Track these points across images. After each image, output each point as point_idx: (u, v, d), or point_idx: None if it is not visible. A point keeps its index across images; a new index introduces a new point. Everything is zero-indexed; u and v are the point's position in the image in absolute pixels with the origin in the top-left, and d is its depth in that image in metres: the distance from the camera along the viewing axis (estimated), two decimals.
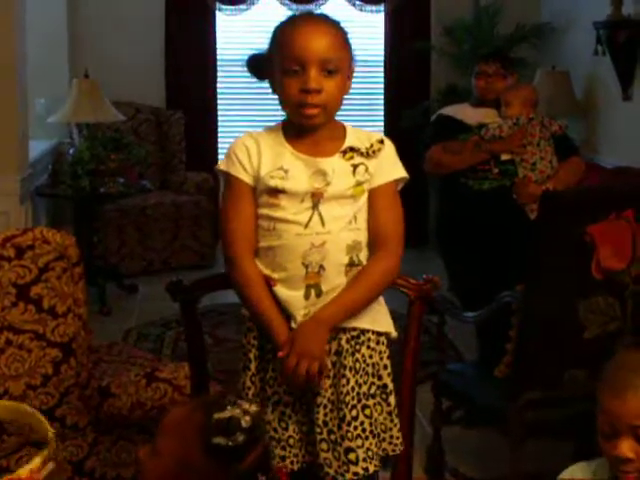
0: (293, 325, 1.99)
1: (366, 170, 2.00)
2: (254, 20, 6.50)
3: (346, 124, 2.07)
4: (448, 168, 3.93)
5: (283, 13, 6.24)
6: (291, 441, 2.03)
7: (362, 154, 2.01)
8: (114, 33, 6.38)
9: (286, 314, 2.00)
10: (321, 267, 1.97)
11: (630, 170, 4.45)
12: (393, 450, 2.09)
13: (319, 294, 1.98)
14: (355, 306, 2.00)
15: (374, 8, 6.68)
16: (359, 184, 1.99)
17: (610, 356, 2.66)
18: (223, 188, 2.06)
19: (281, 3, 6.46)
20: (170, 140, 6.46)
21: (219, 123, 6.68)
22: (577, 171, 3.92)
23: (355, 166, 2.00)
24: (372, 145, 2.01)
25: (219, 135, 6.67)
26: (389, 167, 2.04)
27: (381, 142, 2.03)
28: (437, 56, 6.58)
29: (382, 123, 6.67)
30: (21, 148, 4.68)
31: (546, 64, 5.88)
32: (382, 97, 6.75)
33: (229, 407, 1.61)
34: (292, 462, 2.03)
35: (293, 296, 1.98)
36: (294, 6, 6.36)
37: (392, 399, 2.08)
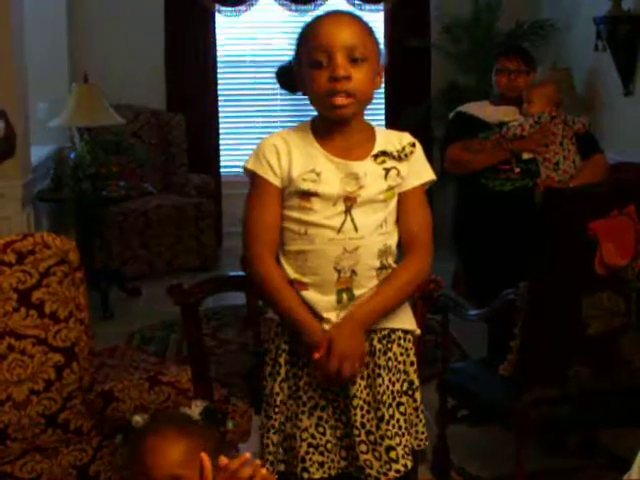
0: (326, 327, 1.96)
1: (398, 174, 1.99)
2: (253, 21, 6.50)
3: (374, 125, 2.05)
4: (468, 167, 3.85)
5: (282, 14, 6.24)
6: (329, 446, 2.02)
7: (394, 157, 1.99)
8: (114, 37, 6.39)
9: (317, 317, 1.97)
10: (353, 272, 1.96)
11: (632, 166, 4.44)
12: (419, 445, 2.10)
13: (351, 298, 1.97)
14: (388, 307, 2.00)
15: (373, 7, 6.68)
16: (390, 188, 1.98)
17: (614, 352, 2.66)
18: (249, 187, 2.02)
19: (280, 4, 6.45)
20: (171, 143, 6.46)
21: (220, 125, 6.68)
22: (600, 170, 3.81)
23: (387, 170, 1.98)
24: (404, 148, 2.00)
25: (220, 137, 6.67)
26: (420, 170, 2.03)
27: (413, 145, 2.02)
28: (437, 54, 6.58)
29: (383, 122, 6.68)
30: (22, 153, 4.67)
31: (547, 61, 5.87)
32: (382, 96, 6.74)
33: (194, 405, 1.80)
34: (330, 467, 2.02)
35: (325, 300, 1.97)
36: (293, 7, 6.35)
37: (418, 395, 2.09)
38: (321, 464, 2.01)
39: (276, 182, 1.97)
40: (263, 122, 6.47)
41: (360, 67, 1.91)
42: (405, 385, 2.05)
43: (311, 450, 2.01)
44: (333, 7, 6.46)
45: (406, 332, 2.07)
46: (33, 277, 2.41)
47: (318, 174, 1.94)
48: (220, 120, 6.68)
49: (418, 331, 2.10)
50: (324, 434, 2.02)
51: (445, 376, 3.25)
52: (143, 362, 3.00)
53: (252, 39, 6.43)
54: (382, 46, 2.01)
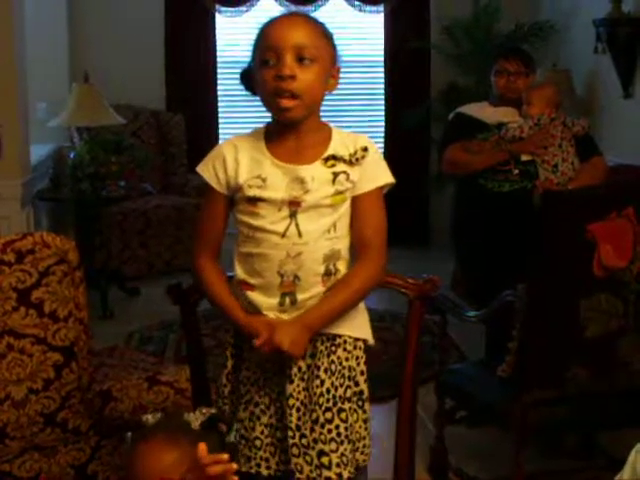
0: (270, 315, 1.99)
1: (347, 178, 1.96)
2: (253, 22, 6.50)
3: (333, 126, 2.03)
4: (466, 168, 3.83)
5: None
6: (257, 443, 2.01)
7: (345, 161, 1.97)
8: (114, 37, 6.39)
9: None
10: (296, 277, 1.96)
11: (631, 168, 4.44)
12: (364, 460, 2.06)
13: (294, 302, 1.97)
14: (336, 313, 1.98)
15: (374, 8, 6.68)
16: (338, 193, 1.96)
17: (612, 354, 2.66)
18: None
19: (280, 4, 6.46)
20: (171, 143, 6.47)
21: (220, 125, 6.69)
22: (599, 172, 3.79)
23: (336, 174, 1.96)
24: (356, 152, 1.97)
25: (220, 137, 6.67)
26: (373, 174, 1.99)
27: (365, 149, 1.98)
28: (437, 55, 6.59)
29: (383, 123, 6.67)
30: (22, 152, 4.68)
31: (546, 63, 5.87)
32: (382, 97, 6.74)
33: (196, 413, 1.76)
34: (259, 465, 2.01)
35: (268, 302, 1.98)
36: (293, 7, 6.36)
37: (367, 406, 2.05)
38: (248, 458, 2.01)
39: (219, 189, 2.00)
40: (262, 122, 6.47)
41: (308, 68, 1.90)
42: (349, 392, 2.01)
43: (242, 442, 2.02)
44: (334, 7, 6.48)
45: (356, 339, 2.04)
46: (32, 276, 2.41)
47: (264, 180, 1.95)
48: (220, 120, 6.70)
49: (371, 341, 2.07)
50: (253, 429, 2.01)
51: (443, 377, 3.26)
52: (142, 362, 3.00)
53: (252, 40, 6.44)
54: (339, 48, 1.99)
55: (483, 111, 3.97)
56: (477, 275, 3.90)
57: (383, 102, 6.76)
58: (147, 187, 5.67)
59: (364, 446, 2.05)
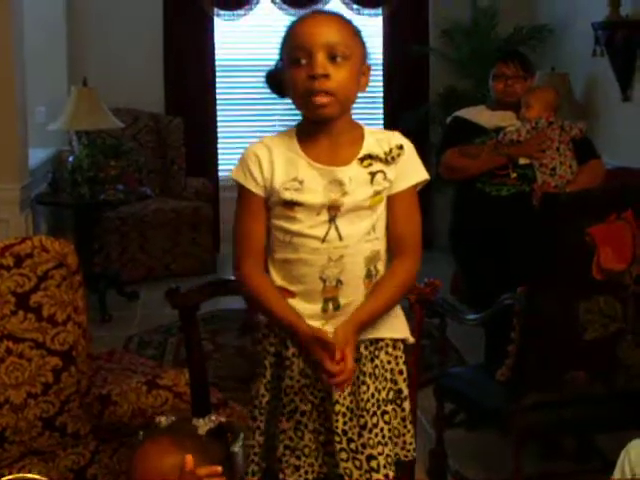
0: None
1: (384, 177, 1.93)
2: (252, 25, 6.51)
3: (363, 125, 1.99)
4: (464, 172, 3.83)
5: (281, 18, 6.25)
6: (306, 450, 1.99)
7: (381, 160, 1.93)
8: (113, 40, 6.40)
9: None
10: (339, 281, 1.92)
11: (630, 171, 4.44)
12: (405, 456, 2.06)
13: (337, 307, 1.94)
14: (375, 317, 1.95)
15: (372, 12, 6.69)
16: (377, 193, 1.93)
17: (611, 357, 2.65)
18: (237, 195, 2.00)
19: (279, 8, 6.46)
20: (170, 146, 6.46)
21: (218, 128, 6.68)
22: (597, 175, 3.79)
23: (373, 174, 1.92)
24: (391, 151, 1.94)
25: (219, 140, 6.68)
26: (409, 172, 1.96)
27: (400, 147, 1.95)
28: (435, 59, 6.59)
29: (381, 126, 6.69)
30: (21, 156, 4.68)
31: (545, 66, 5.88)
32: (381, 100, 6.76)
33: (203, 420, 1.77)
34: (306, 472, 2.00)
35: (311, 309, 1.94)
36: (292, 11, 6.36)
37: (406, 404, 2.05)
38: (297, 467, 1.99)
39: (259, 192, 1.94)
40: (261, 126, 6.51)
41: (341, 66, 1.87)
42: (392, 394, 2.01)
43: (287, 452, 1.99)
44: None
45: (395, 340, 2.03)
46: (31, 280, 2.41)
47: (301, 182, 1.91)
48: (218, 124, 6.68)
49: (411, 339, 2.06)
50: (302, 438, 1.99)
51: (442, 381, 3.26)
52: (141, 366, 3.00)
53: (251, 43, 6.46)
54: (369, 46, 1.98)
55: (481, 115, 3.97)
56: (476, 278, 3.90)
57: (382, 105, 6.77)
58: (146, 191, 5.67)
59: (404, 442, 2.05)
